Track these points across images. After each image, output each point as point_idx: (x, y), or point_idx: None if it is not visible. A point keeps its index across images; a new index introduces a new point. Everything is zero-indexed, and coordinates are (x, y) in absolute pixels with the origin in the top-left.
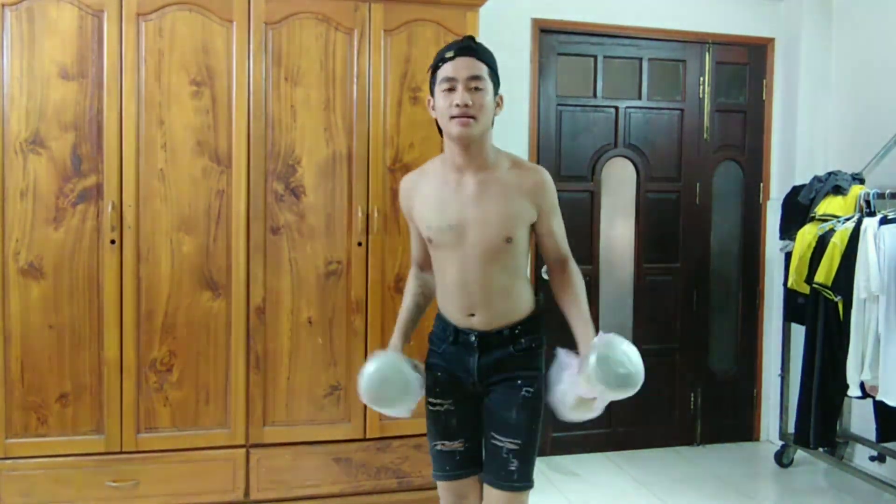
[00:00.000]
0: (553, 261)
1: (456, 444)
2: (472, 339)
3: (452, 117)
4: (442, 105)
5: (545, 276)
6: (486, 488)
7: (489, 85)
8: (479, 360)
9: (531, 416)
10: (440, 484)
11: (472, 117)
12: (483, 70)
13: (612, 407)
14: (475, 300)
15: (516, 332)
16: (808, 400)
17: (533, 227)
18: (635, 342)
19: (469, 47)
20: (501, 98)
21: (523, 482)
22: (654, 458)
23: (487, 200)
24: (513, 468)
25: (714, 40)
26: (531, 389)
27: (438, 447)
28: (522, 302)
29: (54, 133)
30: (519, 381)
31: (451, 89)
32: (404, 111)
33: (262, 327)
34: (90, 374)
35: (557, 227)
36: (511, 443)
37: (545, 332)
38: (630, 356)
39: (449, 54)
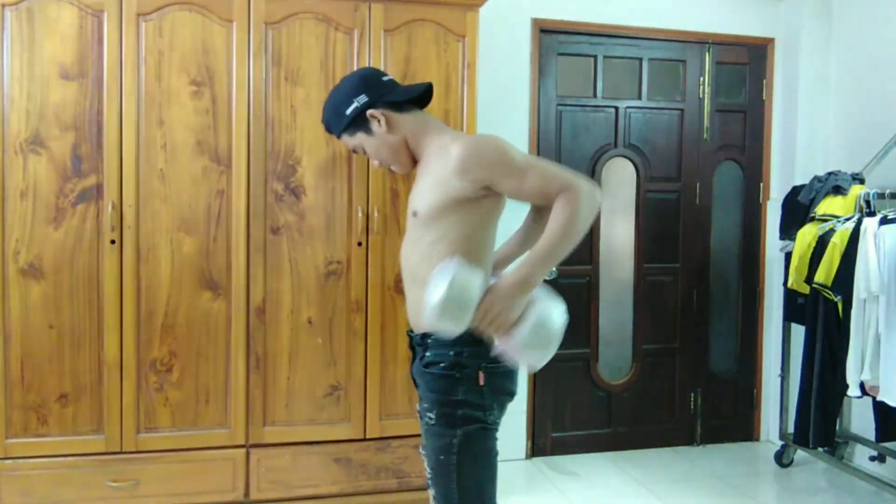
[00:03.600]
0: (545, 209)
1: (423, 455)
2: (409, 339)
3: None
4: None
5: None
6: None
7: (356, 134)
8: (411, 366)
9: (436, 447)
10: None
11: (382, 164)
12: (345, 136)
13: (612, 407)
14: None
15: (427, 340)
16: (807, 400)
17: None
18: (635, 342)
19: (326, 129)
20: (370, 115)
21: None
22: (654, 458)
23: (415, 185)
24: (434, 495)
25: (714, 40)
26: (432, 416)
27: None
28: None
29: (54, 133)
30: (425, 404)
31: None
32: None
33: (262, 327)
34: (90, 374)
35: (518, 183)
36: (428, 469)
37: (472, 354)
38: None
39: None
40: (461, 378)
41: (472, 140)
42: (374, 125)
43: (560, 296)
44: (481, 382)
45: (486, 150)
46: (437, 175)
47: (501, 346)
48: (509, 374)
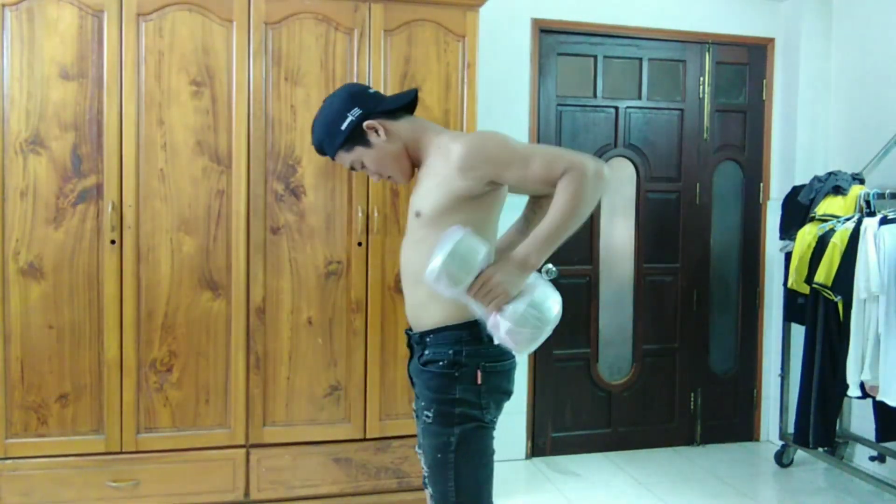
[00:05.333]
0: (551, 191)
1: (420, 454)
2: (407, 337)
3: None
4: None
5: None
6: None
7: (354, 149)
8: (408, 364)
9: (433, 445)
10: None
11: (383, 176)
12: (342, 153)
13: (612, 407)
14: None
15: (426, 339)
16: (807, 400)
17: (484, 196)
18: (635, 342)
19: (318, 151)
20: (368, 126)
21: None
22: (654, 458)
23: (417, 187)
24: (432, 493)
25: (714, 40)
26: (429, 415)
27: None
28: (437, 302)
29: (54, 133)
30: (422, 402)
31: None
32: None
33: (262, 327)
34: (90, 374)
35: (523, 172)
36: (425, 468)
37: (471, 353)
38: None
39: None
40: (459, 377)
41: (471, 137)
42: (373, 136)
43: (559, 294)
44: (479, 381)
45: (487, 144)
46: (440, 175)
47: (493, 320)
48: (506, 374)
